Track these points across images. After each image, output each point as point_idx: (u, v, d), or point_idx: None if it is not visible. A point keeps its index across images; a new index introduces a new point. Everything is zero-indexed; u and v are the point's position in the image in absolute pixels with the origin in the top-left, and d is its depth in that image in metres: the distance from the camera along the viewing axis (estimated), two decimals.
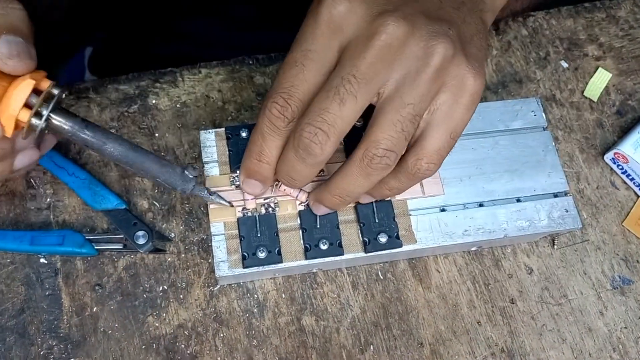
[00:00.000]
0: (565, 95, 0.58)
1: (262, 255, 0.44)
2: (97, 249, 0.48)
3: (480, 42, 0.39)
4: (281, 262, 0.44)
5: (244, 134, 0.47)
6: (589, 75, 0.59)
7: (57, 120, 0.38)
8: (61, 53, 0.81)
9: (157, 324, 0.47)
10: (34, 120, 0.37)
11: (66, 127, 0.39)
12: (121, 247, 0.48)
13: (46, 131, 0.39)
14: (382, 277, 0.50)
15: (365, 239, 0.45)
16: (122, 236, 0.48)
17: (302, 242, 0.45)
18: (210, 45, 0.67)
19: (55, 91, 0.38)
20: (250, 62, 0.56)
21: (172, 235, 0.50)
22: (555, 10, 0.62)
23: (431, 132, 0.38)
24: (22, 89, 0.37)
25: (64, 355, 0.46)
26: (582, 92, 0.58)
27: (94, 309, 0.47)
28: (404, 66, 0.36)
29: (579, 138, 0.57)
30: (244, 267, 0.44)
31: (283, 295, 0.49)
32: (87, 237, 0.48)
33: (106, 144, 0.39)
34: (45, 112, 0.37)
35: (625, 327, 0.51)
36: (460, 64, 0.37)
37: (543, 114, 0.50)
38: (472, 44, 0.38)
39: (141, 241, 0.48)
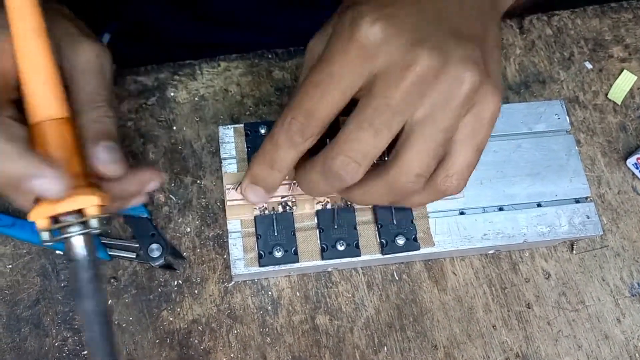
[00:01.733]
0: (588, 97, 0.57)
1: (278, 254, 0.43)
2: (109, 255, 0.48)
3: (498, 54, 0.40)
4: (297, 261, 0.44)
5: (262, 131, 0.46)
6: (614, 77, 0.58)
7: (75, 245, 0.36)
8: None
9: (171, 319, 0.47)
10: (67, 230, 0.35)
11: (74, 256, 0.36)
12: (134, 256, 0.48)
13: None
14: (397, 278, 0.50)
15: (382, 240, 0.45)
16: (137, 245, 0.48)
17: (319, 242, 0.44)
18: (231, 26, 0.66)
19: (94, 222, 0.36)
20: (270, 56, 0.56)
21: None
22: (580, 9, 0.60)
23: (459, 149, 0.38)
24: (90, 200, 0.35)
25: (78, 347, 0.46)
26: (606, 94, 0.57)
27: (109, 302, 0.47)
28: (436, 95, 0.36)
29: (601, 141, 0.56)
30: (260, 265, 0.43)
31: (297, 294, 0.49)
32: (102, 241, 0.48)
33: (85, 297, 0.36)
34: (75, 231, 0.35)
35: None
36: (486, 85, 0.37)
37: (567, 117, 0.50)
38: (492, 59, 0.38)
39: (155, 254, 0.48)
